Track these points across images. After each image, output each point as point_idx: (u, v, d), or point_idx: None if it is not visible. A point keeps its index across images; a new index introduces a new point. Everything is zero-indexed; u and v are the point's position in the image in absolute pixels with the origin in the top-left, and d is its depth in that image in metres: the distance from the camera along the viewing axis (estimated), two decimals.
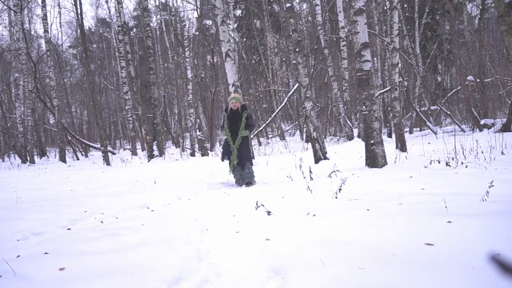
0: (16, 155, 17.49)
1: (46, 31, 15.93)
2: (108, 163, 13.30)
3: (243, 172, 6.09)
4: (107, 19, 30.41)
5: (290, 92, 15.19)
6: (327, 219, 2.85)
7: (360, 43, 6.03)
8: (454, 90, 17.06)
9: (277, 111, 15.92)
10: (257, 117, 20.17)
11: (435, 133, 12.86)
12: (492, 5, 16.49)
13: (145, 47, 14.75)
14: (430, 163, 5.34)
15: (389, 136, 13.85)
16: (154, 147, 13.86)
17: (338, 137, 15.97)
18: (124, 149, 21.02)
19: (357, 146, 10.26)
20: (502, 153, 5.90)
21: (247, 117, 6.17)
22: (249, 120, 6.19)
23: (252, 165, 6.24)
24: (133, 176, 8.42)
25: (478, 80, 12.83)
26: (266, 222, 3.07)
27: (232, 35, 19.40)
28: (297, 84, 11.88)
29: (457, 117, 15.01)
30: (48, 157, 18.08)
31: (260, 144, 17.87)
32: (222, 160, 6.39)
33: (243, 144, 6.16)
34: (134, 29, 35.43)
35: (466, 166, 4.95)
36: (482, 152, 5.71)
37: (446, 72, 23.16)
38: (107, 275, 2.04)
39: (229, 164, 6.23)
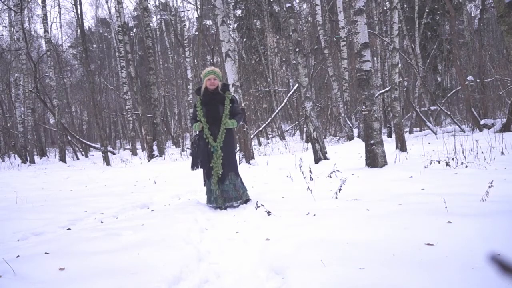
0: (16, 155, 17.47)
1: (46, 31, 15.94)
2: (108, 163, 13.30)
3: (223, 186, 4.01)
4: (107, 19, 30.41)
5: (290, 92, 15.18)
6: (327, 219, 2.86)
7: (360, 43, 6.03)
8: (454, 90, 17.05)
9: (277, 111, 15.91)
10: (257, 117, 20.15)
11: (435, 133, 12.85)
12: (492, 5, 16.49)
13: (145, 47, 14.75)
14: (430, 163, 5.34)
15: (389, 136, 13.85)
16: (154, 147, 13.86)
17: (338, 137, 15.96)
18: (124, 149, 21.00)
19: (357, 146, 10.26)
20: (502, 153, 5.89)
21: (232, 99, 4.08)
22: (235, 105, 4.10)
23: (238, 176, 4.12)
24: (133, 176, 8.41)
25: (478, 80, 12.82)
26: (266, 222, 3.07)
27: (232, 35, 19.38)
28: (297, 84, 11.86)
29: (457, 117, 15.00)
30: (48, 157, 18.06)
31: (260, 144, 17.86)
32: (193, 167, 4.09)
33: (227, 142, 4.03)
34: (134, 29, 35.43)
35: (466, 166, 4.95)
36: (482, 152, 5.71)
37: (446, 72, 23.14)
38: (107, 275, 2.04)
39: (204, 173, 4.07)
